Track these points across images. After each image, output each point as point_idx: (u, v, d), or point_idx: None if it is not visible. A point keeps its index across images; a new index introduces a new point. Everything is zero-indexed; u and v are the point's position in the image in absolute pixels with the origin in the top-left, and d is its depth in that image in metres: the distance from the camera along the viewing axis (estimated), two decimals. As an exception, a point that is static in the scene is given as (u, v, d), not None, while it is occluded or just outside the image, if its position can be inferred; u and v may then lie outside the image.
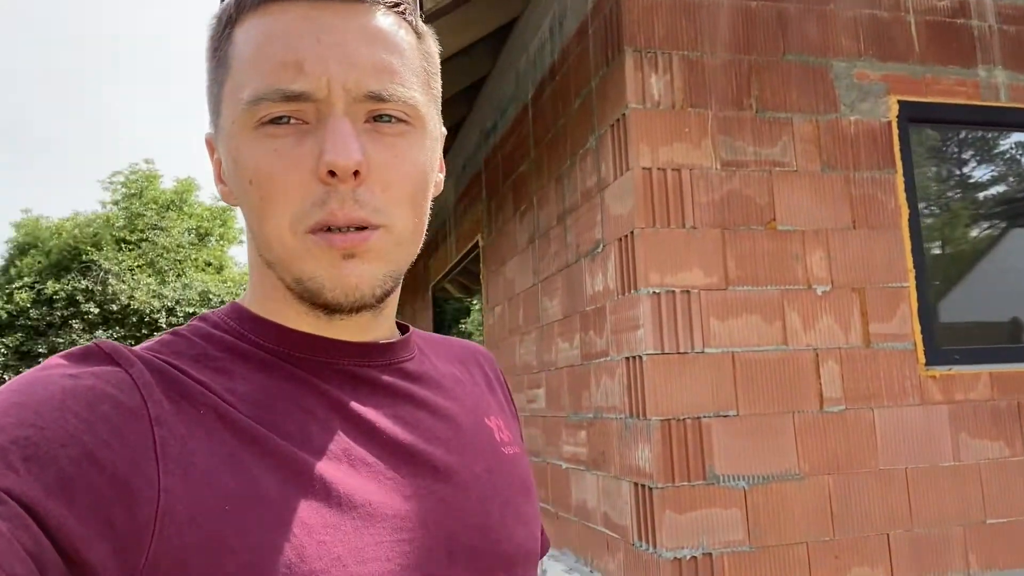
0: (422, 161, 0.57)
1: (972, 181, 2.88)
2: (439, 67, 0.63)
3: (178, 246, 15.89)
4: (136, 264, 14.11)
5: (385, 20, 0.56)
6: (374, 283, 0.54)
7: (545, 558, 3.07)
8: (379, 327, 0.62)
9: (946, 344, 2.57)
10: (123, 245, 15.29)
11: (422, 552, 0.53)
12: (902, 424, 2.44)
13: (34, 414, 0.42)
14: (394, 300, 0.63)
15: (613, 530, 2.54)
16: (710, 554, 2.21)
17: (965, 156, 2.88)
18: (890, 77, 2.62)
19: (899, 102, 2.61)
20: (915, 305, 2.51)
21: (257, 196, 0.53)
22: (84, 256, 14.96)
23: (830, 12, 2.61)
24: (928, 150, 2.78)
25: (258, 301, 0.59)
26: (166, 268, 14.96)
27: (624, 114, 2.39)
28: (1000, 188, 2.90)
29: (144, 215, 16.42)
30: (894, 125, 2.59)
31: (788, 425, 2.34)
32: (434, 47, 0.62)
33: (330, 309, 0.55)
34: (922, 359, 2.49)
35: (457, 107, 4.70)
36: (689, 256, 2.34)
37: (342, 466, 0.52)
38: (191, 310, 11.54)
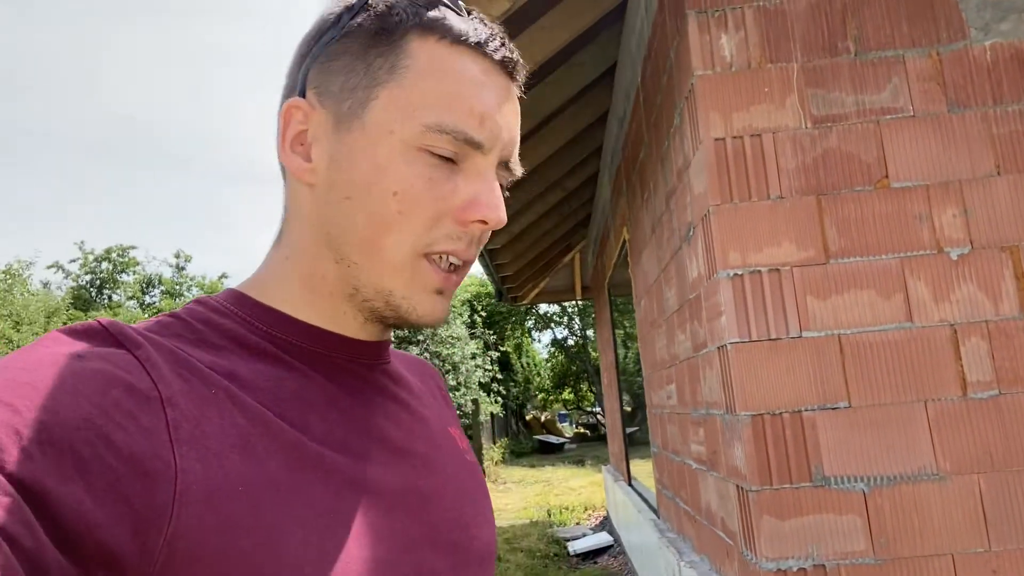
0: None
1: None
2: None
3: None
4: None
5: (518, 99, 0.63)
6: (447, 316, 0.62)
7: (683, 565, 2.90)
8: (388, 332, 0.66)
9: None
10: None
11: (412, 540, 0.56)
12: (1086, 411, 1.95)
13: (49, 398, 0.42)
14: None
15: (729, 536, 2.32)
16: (823, 566, 1.94)
17: None
18: (1042, -17, 2.11)
19: (1056, 11, 2.10)
20: (1097, 261, 2.00)
21: (396, 208, 0.56)
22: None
23: (949, -80, 2.17)
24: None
25: (272, 290, 0.61)
26: None
27: (692, 84, 2.20)
28: None
29: None
30: (1051, 41, 2.09)
31: (919, 416, 1.98)
32: None
33: (395, 325, 0.61)
34: (1111, 328, 1.97)
35: (598, 98, 4.62)
36: (777, 230, 2.08)
37: (340, 455, 0.55)
38: (413, 324, 12.66)
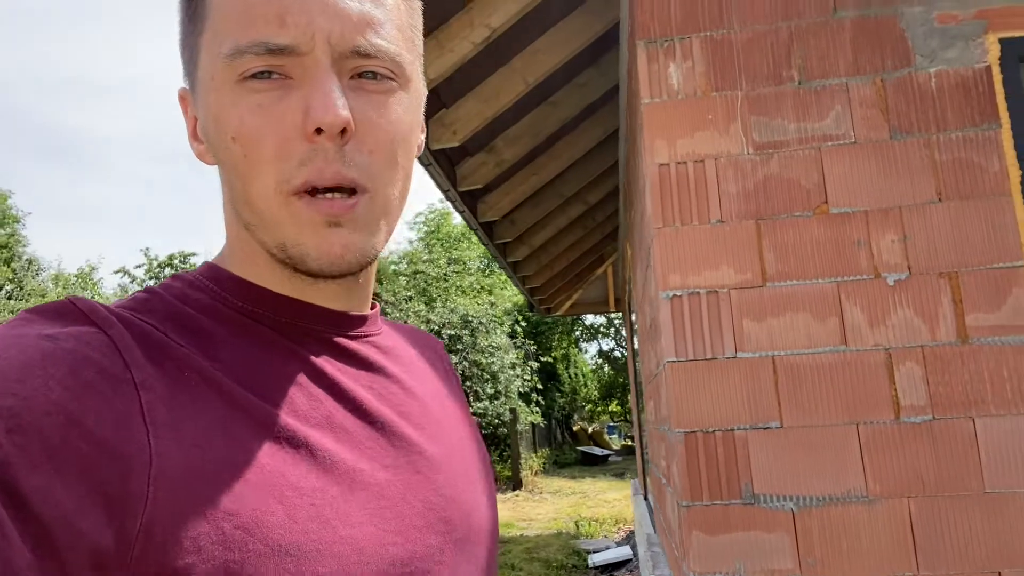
0: (407, 120, 0.57)
1: None
2: (422, 24, 0.63)
3: (444, 275, 17.75)
4: (409, 294, 16.06)
5: None
6: (360, 252, 0.54)
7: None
8: (358, 296, 0.62)
9: (1092, 335, 1.99)
10: (399, 277, 17.53)
11: (402, 519, 0.54)
12: (1020, 438, 1.95)
13: (15, 382, 0.41)
14: (373, 270, 0.63)
15: (678, 550, 2.38)
16: (750, 582, 1.99)
17: None
18: (990, 12, 2.13)
19: (1001, 40, 2.11)
20: (1036, 288, 2.00)
21: (240, 154, 0.52)
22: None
23: (897, -50, 2.21)
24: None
25: (237, 263, 0.58)
26: (435, 295, 16.79)
27: (641, 111, 2.29)
28: None
29: (438, 248, 18.65)
30: (995, 69, 2.10)
31: (851, 438, 2.02)
32: (418, 2, 0.62)
33: (313, 275, 0.55)
34: (1049, 356, 1.97)
35: (608, 116, 4.71)
36: (716, 253, 2.15)
37: (325, 433, 0.53)
38: (453, 332, 12.81)
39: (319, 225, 0.52)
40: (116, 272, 20.05)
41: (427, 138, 3.56)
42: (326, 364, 0.57)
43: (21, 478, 0.38)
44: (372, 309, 0.65)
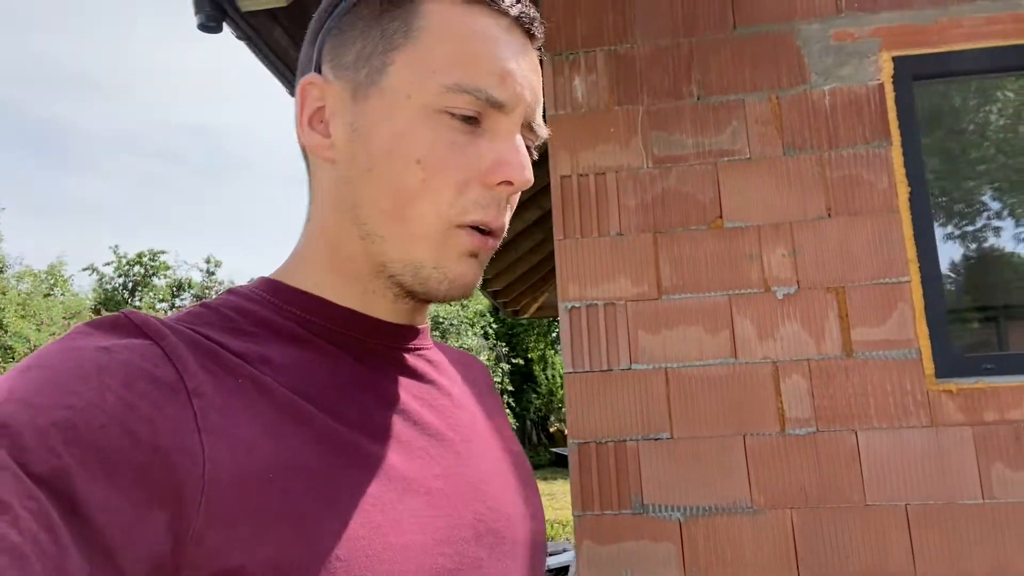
0: None
1: (1018, 139, 2.25)
2: None
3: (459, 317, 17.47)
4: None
5: (537, 56, 0.61)
6: (477, 283, 0.59)
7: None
8: (421, 313, 0.65)
9: (971, 350, 2.04)
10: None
11: (452, 529, 0.54)
12: (900, 451, 1.99)
13: (71, 393, 0.42)
14: None
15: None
16: (637, 591, 2.01)
17: (1003, 111, 2.26)
18: (885, 30, 2.17)
19: (895, 59, 2.15)
20: (920, 303, 2.04)
21: (420, 177, 0.54)
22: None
23: (795, -31, 2.24)
24: (947, 110, 2.23)
25: (302, 274, 0.60)
26: (447, 329, 16.62)
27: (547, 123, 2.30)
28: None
29: None
30: (888, 87, 2.14)
31: (737, 450, 2.05)
32: None
33: (423, 298, 0.59)
34: (930, 369, 2.01)
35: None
36: (614, 266, 2.17)
37: (378, 441, 0.54)
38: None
39: (464, 254, 0.57)
40: (84, 270, 19.88)
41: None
42: (380, 374, 0.58)
43: (79, 488, 0.39)
44: (425, 324, 0.67)
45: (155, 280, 20.81)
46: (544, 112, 0.60)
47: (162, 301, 20.66)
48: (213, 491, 0.43)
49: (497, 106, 0.55)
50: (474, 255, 0.57)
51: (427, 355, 0.65)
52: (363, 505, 0.49)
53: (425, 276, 0.56)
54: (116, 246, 20.64)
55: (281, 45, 2.66)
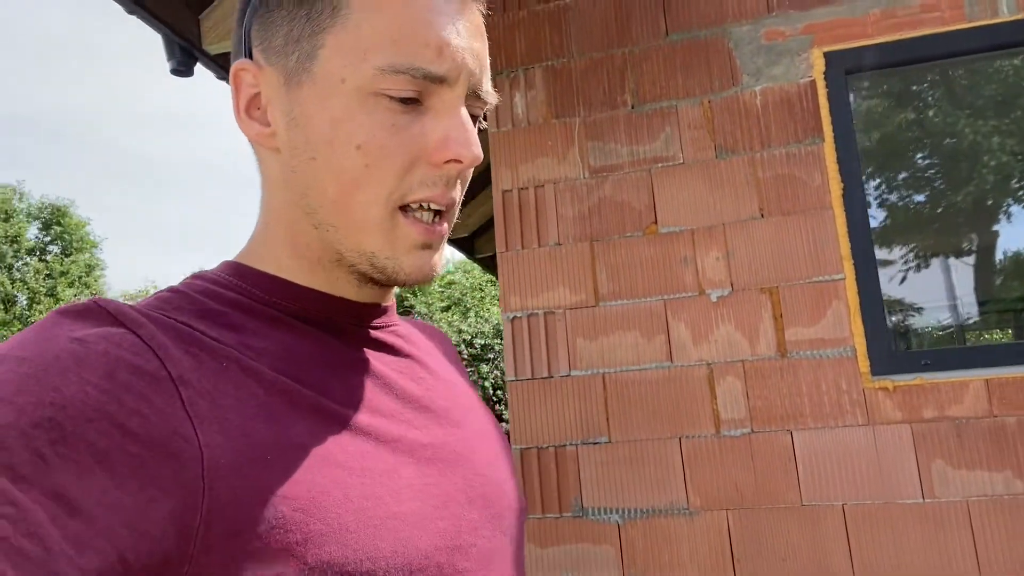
0: None
1: (954, 130, 2.17)
2: None
3: (479, 286, 17.96)
4: (444, 304, 16.35)
5: (481, 16, 0.58)
6: (438, 270, 0.58)
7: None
8: (389, 292, 0.64)
9: (909, 346, 1.99)
10: (431, 288, 17.97)
11: (446, 495, 0.55)
12: (836, 450, 1.97)
13: (52, 389, 0.40)
14: None
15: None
16: (578, 592, 2.07)
17: (941, 101, 2.18)
18: (816, 26, 2.15)
19: (826, 54, 2.13)
20: (855, 301, 2.01)
21: (362, 163, 0.52)
22: (404, 302, 17.51)
23: (725, -28, 2.25)
24: (884, 103, 2.19)
25: (268, 258, 0.58)
26: (469, 306, 17.01)
27: (489, 141, 2.39)
28: (1001, 133, 2.13)
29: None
30: (820, 83, 2.12)
31: (674, 452, 2.07)
32: None
33: (386, 284, 0.58)
34: (865, 367, 1.98)
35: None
36: (554, 275, 2.24)
37: (366, 414, 0.53)
38: (484, 341, 12.99)
39: (415, 247, 0.55)
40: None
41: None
42: (358, 351, 0.58)
43: (73, 488, 0.38)
44: (391, 301, 0.67)
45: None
46: (487, 123, 0.59)
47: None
48: (215, 477, 0.42)
49: (437, 80, 0.52)
50: (427, 246, 0.56)
51: (397, 330, 0.64)
52: (361, 477, 0.49)
53: (381, 265, 0.55)
54: (201, 268, 21.82)
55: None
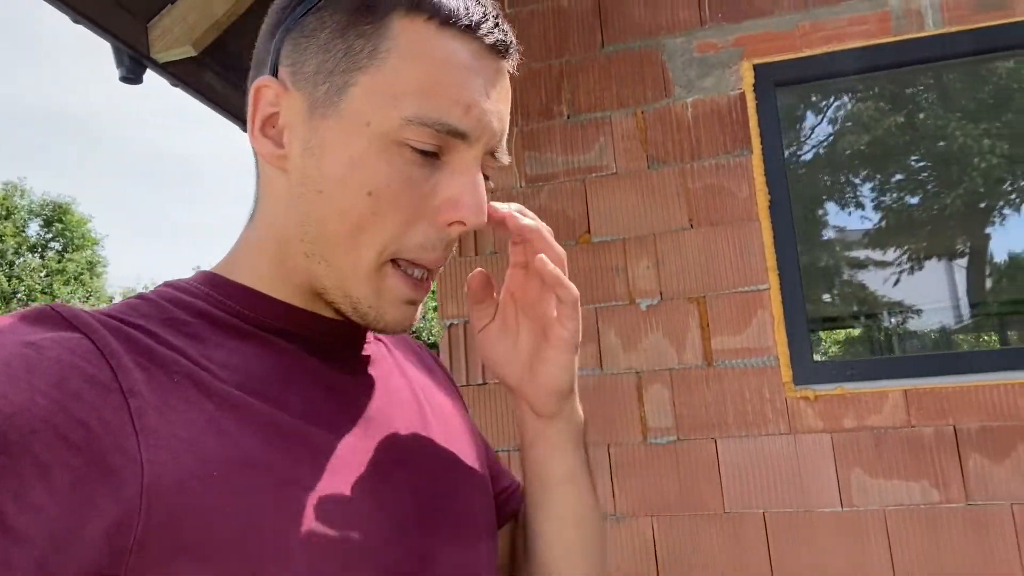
0: None
1: (884, 143, 2.20)
2: None
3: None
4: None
5: (509, 80, 0.58)
6: (416, 321, 0.59)
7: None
8: None
9: (830, 356, 2.02)
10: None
11: (406, 518, 0.54)
12: (759, 458, 2.00)
13: (0, 397, 0.39)
14: None
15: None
16: (507, 596, 2.10)
17: (869, 113, 2.21)
18: (747, 39, 2.18)
19: (755, 66, 2.15)
20: (779, 312, 2.04)
21: (369, 209, 0.52)
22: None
23: (660, -16, 2.28)
24: (814, 115, 2.21)
25: (248, 270, 0.58)
26: None
27: (430, 149, 2.42)
28: (934, 141, 2.16)
29: None
30: (749, 95, 2.15)
31: (602, 459, 2.10)
32: None
33: (364, 327, 0.58)
34: (788, 377, 2.01)
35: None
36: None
37: (322, 431, 0.52)
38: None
39: (401, 302, 0.56)
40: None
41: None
42: (319, 363, 0.57)
43: (8, 505, 0.38)
44: None
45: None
46: (493, 184, 0.61)
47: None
48: (154, 494, 0.42)
49: (459, 136, 0.53)
50: (411, 302, 0.56)
51: (369, 346, 0.64)
52: (313, 495, 0.48)
53: (363, 312, 0.55)
54: (198, 267, 22.00)
55: (215, 88, 2.88)
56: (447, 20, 0.53)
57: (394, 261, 0.54)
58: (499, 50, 0.55)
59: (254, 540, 0.44)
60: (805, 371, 2.00)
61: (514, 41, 0.57)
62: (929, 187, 2.27)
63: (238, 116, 2.99)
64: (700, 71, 2.21)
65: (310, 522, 0.47)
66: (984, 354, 1.97)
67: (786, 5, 2.16)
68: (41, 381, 0.41)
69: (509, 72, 0.58)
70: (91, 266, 29.45)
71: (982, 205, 2.21)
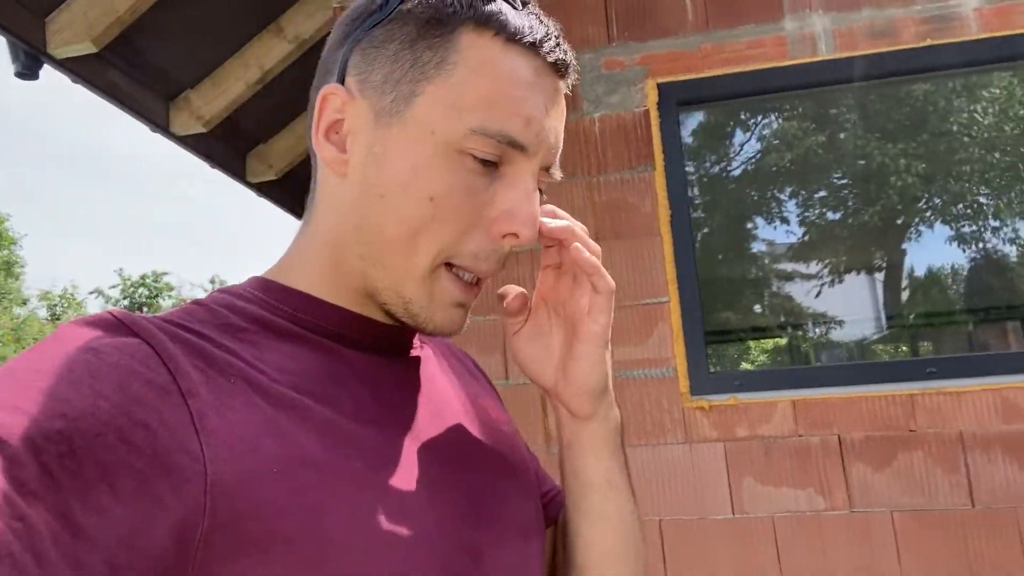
0: None
1: (779, 161, 2.30)
2: None
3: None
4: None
5: (564, 105, 0.61)
6: (464, 326, 0.60)
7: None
8: None
9: (725, 368, 2.08)
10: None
11: (457, 515, 0.55)
12: (658, 467, 2.04)
13: (64, 401, 0.41)
14: None
15: None
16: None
17: (766, 133, 2.31)
18: (652, 58, 2.24)
19: (659, 85, 2.21)
20: (678, 324, 2.09)
21: (430, 214, 0.54)
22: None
23: (571, 1, 2.32)
24: (715, 134, 2.29)
25: (298, 275, 0.59)
26: None
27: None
28: (827, 161, 2.26)
29: None
30: (653, 113, 2.20)
31: (505, 469, 2.11)
32: None
33: (413, 328, 0.59)
34: (685, 387, 2.06)
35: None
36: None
37: (374, 431, 0.54)
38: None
39: (452, 304, 0.57)
40: (91, 293, 20.47)
41: (245, 171, 3.69)
42: (371, 367, 0.58)
43: (76, 507, 0.38)
44: None
45: (161, 301, 21.32)
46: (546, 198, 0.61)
47: (168, 322, 21.22)
48: (217, 494, 0.43)
49: (519, 148, 0.54)
50: (460, 305, 0.58)
51: (420, 350, 0.65)
52: (370, 496, 0.49)
53: (414, 312, 0.57)
54: (120, 269, 21.25)
55: (119, 85, 2.78)
56: (513, 37, 0.55)
57: (447, 265, 0.56)
58: (559, 68, 0.58)
59: (316, 534, 0.45)
60: (701, 382, 2.05)
61: (574, 61, 0.60)
62: (831, 205, 2.37)
63: (144, 114, 2.89)
64: (607, 87, 2.25)
65: (367, 517, 0.48)
66: (868, 366, 2.07)
67: (689, 27, 2.23)
68: (103, 385, 0.42)
69: (565, 92, 0.60)
70: (8, 266, 28.05)
71: (852, 222, 2.31)
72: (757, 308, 2.24)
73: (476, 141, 0.53)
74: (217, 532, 0.42)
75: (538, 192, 0.58)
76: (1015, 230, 2.16)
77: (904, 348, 2.29)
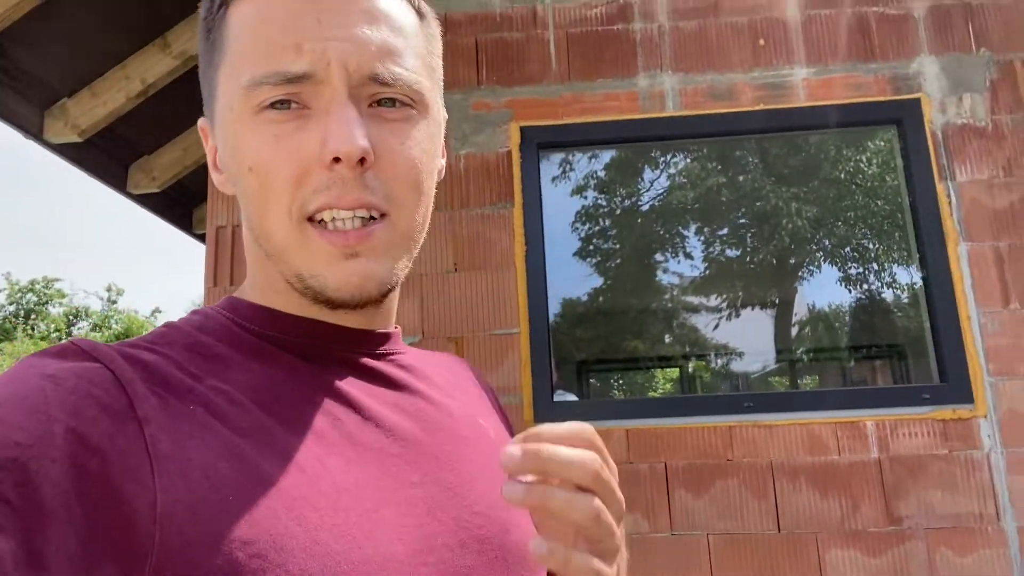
0: (428, 147, 0.56)
1: (629, 205, 2.49)
2: (441, 49, 0.62)
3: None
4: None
5: (387, 1, 0.55)
6: (379, 280, 0.54)
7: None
8: (381, 316, 0.61)
9: (571, 396, 2.22)
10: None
11: (432, 537, 0.52)
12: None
13: (19, 429, 0.40)
14: (396, 292, 0.62)
15: None
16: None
17: (617, 179, 2.50)
18: (517, 102, 2.38)
19: (522, 128, 2.35)
20: (527, 354, 2.22)
21: (256, 183, 0.52)
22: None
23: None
24: (568, 176, 2.46)
25: (258, 291, 0.58)
26: None
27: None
28: (672, 206, 2.47)
29: None
30: (515, 154, 2.34)
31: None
32: (437, 28, 0.62)
33: (334, 305, 0.55)
34: (530, 415, 2.18)
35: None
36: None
37: (347, 452, 0.51)
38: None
39: (336, 257, 0.52)
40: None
41: (127, 183, 3.63)
42: (346, 383, 0.55)
43: (36, 536, 0.38)
44: (395, 329, 0.64)
45: (50, 308, 20.18)
46: (417, 109, 0.55)
47: (56, 331, 20.01)
48: (167, 525, 0.42)
49: (303, 79, 0.51)
50: (351, 255, 0.52)
51: (399, 360, 0.61)
52: (334, 518, 0.47)
53: (311, 284, 0.53)
54: (8, 273, 20.02)
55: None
56: None
57: (313, 222, 0.52)
58: None
59: (272, 568, 0.43)
60: (545, 410, 2.18)
61: None
62: (680, 248, 2.56)
63: (15, 121, 2.83)
64: (474, 127, 2.38)
65: (333, 543, 0.46)
66: (694, 399, 2.24)
67: (553, 76, 2.38)
68: (58, 411, 0.42)
69: None
70: None
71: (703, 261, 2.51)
72: (594, 340, 2.40)
73: (256, 94, 0.51)
74: (168, 562, 0.41)
75: (353, 111, 0.51)
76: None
77: (729, 383, 2.49)
